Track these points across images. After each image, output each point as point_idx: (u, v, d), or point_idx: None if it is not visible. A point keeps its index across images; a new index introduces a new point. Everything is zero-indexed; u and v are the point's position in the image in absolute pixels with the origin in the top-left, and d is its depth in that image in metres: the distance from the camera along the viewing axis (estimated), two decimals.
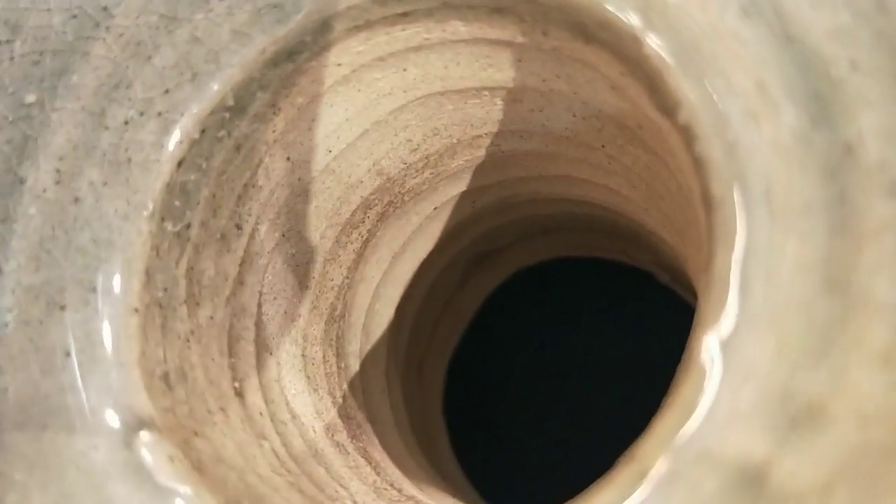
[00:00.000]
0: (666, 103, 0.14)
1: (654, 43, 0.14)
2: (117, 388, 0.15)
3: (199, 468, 0.15)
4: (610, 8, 0.14)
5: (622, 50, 0.14)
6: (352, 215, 0.21)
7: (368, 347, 0.24)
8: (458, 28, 0.17)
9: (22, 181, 0.17)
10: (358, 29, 0.17)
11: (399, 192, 0.22)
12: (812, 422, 0.11)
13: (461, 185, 0.23)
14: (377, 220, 0.22)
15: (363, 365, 0.24)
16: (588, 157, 0.20)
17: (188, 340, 0.17)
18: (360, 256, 0.22)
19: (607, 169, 0.21)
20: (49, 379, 0.15)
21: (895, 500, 0.10)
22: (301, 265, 0.21)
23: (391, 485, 0.20)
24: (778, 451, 0.11)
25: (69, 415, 0.15)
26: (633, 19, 0.14)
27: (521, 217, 0.26)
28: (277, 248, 0.20)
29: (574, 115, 0.19)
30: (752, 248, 0.12)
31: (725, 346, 0.12)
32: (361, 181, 0.21)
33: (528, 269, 0.29)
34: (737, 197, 0.12)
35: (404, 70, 0.19)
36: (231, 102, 0.17)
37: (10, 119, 0.17)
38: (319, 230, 0.21)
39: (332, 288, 0.22)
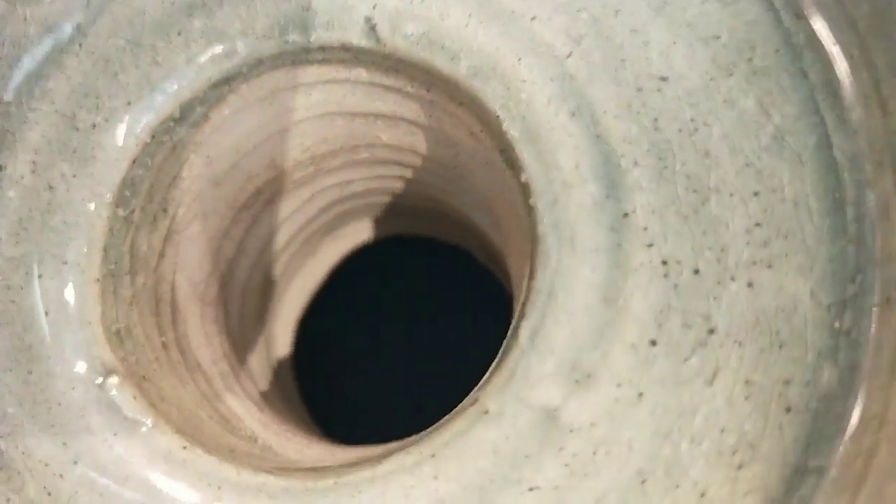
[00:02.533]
0: (513, 165, 0.20)
1: (510, 124, 0.20)
2: (86, 341, 0.20)
3: (153, 404, 0.20)
4: (480, 96, 0.20)
5: (486, 121, 0.20)
6: (246, 200, 0.26)
7: (245, 307, 0.29)
8: (361, 73, 0.23)
9: (1, 168, 0.20)
10: (283, 65, 0.22)
11: (287, 181, 0.27)
12: (588, 383, 0.18)
13: (336, 178, 0.28)
14: (265, 203, 0.27)
15: (241, 320, 0.29)
16: (441, 171, 0.27)
17: (131, 304, 0.21)
18: (247, 233, 0.27)
19: (455, 181, 0.27)
20: (31, 333, 0.19)
21: (638, 438, 0.17)
22: (204, 241, 0.25)
23: (273, 420, 0.25)
24: (566, 400, 0.18)
25: (49, 362, 0.19)
26: (496, 105, 0.20)
27: (376, 203, 0.31)
28: (189, 227, 0.24)
29: (437, 143, 0.25)
30: (559, 271, 0.19)
31: (535, 332, 0.18)
32: (259, 174, 0.26)
33: (373, 244, 0.35)
34: (553, 237, 0.19)
35: (310, 94, 0.24)
36: (177, 115, 0.21)
37: None
38: (220, 212, 0.26)
39: (225, 259, 0.27)
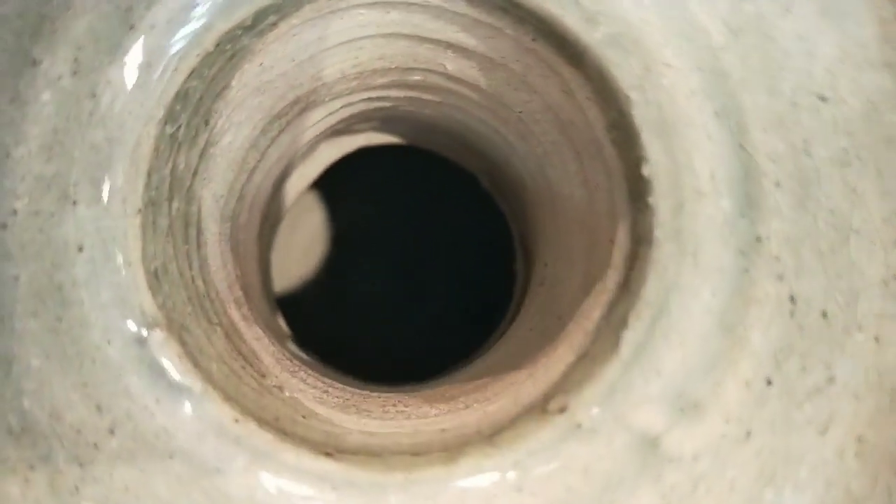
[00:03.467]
0: (629, 149, 0.18)
1: (642, 109, 0.18)
2: (125, 285, 0.17)
3: (197, 364, 0.17)
4: (613, 70, 0.18)
5: (607, 96, 0.18)
6: (281, 109, 0.23)
7: (249, 216, 0.26)
8: (460, 4, 0.20)
9: (35, 63, 0.16)
10: None
11: (325, 93, 0.24)
12: (694, 413, 0.17)
13: (373, 94, 0.25)
14: (297, 114, 0.24)
15: (246, 233, 0.26)
16: (498, 110, 0.24)
17: (167, 235, 0.19)
18: (272, 142, 0.24)
19: (510, 123, 0.24)
20: (61, 272, 0.16)
21: (741, 478, 0.16)
22: (233, 152, 0.22)
23: (283, 355, 0.23)
24: (670, 428, 0.17)
25: (83, 308, 0.16)
26: (629, 84, 0.18)
27: (398, 118, 0.29)
28: (223, 139, 0.21)
29: (510, 85, 0.22)
30: (676, 286, 0.17)
31: (641, 348, 0.17)
32: (302, 84, 0.23)
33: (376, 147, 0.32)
34: (673, 246, 0.17)
35: (388, 13, 0.21)
36: (249, 23, 0.18)
37: None
38: (254, 122, 0.22)
39: (246, 170, 0.24)
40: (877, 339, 0.17)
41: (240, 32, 0.18)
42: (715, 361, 0.17)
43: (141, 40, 0.17)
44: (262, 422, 0.17)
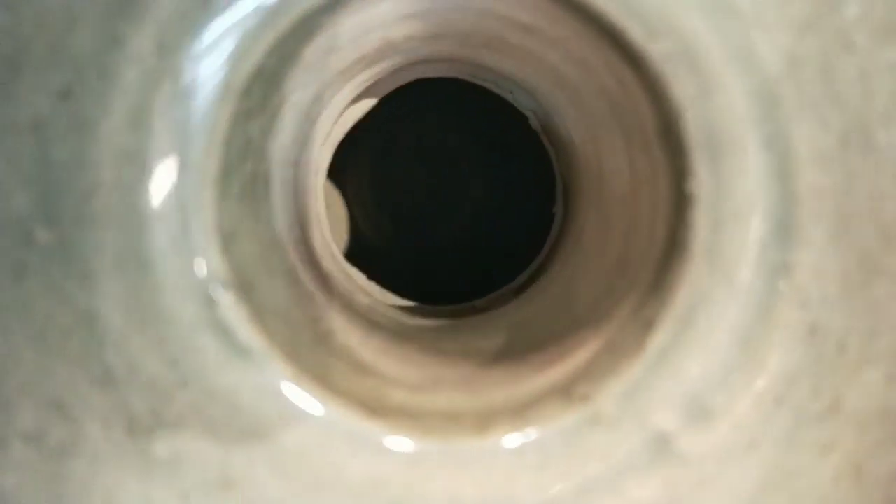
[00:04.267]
0: (676, 158, 0.19)
1: (693, 125, 0.18)
2: (201, 249, 0.18)
3: (261, 323, 0.19)
4: (669, 84, 0.18)
5: (662, 106, 0.19)
6: (346, 67, 0.24)
7: (311, 154, 0.27)
8: None
9: (122, 37, 0.17)
10: None
11: (390, 50, 0.25)
12: (707, 419, 0.18)
13: (434, 48, 0.26)
14: (362, 69, 0.25)
15: (306, 169, 0.27)
16: (556, 78, 0.25)
17: (240, 198, 0.20)
18: (337, 93, 0.25)
19: (567, 92, 0.25)
20: (141, 236, 0.18)
21: (741, 484, 0.18)
22: (300, 107, 0.23)
23: (333, 293, 0.25)
24: (683, 429, 0.18)
25: (159, 271, 0.18)
26: (683, 99, 0.18)
27: (463, 61, 0.29)
28: (292, 96, 0.22)
29: (567, 62, 0.23)
30: (706, 298, 0.18)
31: (666, 352, 0.19)
32: (370, 44, 0.23)
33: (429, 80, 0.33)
34: (707, 262, 0.18)
35: None
36: (326, 3, 0.19)
37: None
38: (321, 79, 0.23)
39: (311, 120, 0.25)
40: (888, 377, 0.18)
41: (316, 13, 0.19)
42: (732, 374, 0.18)
43: (220, 21, 0.18)
44: (317, 378, 0.19)
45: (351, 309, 0.25)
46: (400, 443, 0.19)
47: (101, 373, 0.18)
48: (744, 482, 0.18)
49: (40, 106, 0.17)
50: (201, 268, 0.18)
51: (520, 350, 0.22)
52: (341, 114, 0.29)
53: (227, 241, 0.19)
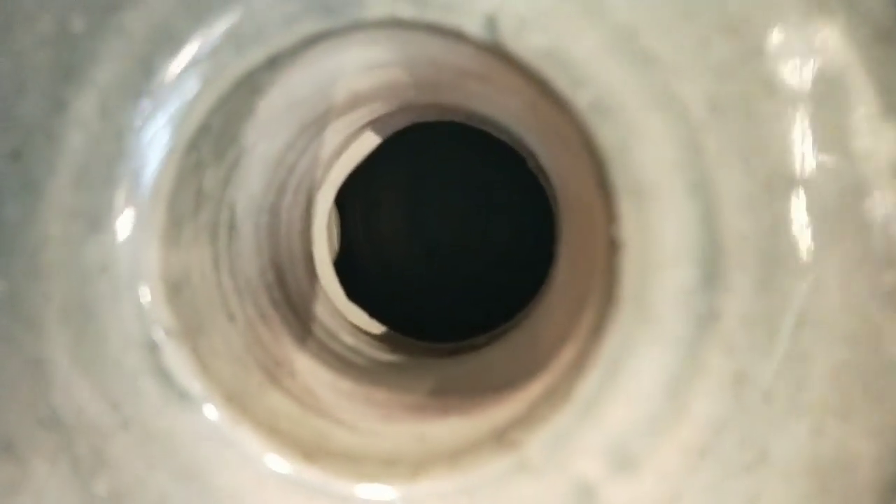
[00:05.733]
0: (608, 205, 0.19)
1: (618, 173, 0.18)
2: (144, 300, 0.19)
3: (206, 368, 0.20)
4: (595, 133, 0.18)
5: (594, 156, 0.19)
6: (316, 117, 0.25)
7: (294, 198, 0.28)
8: (467, 50, 0.20)
9: (66, 104, 0.19)
10: (385, 27, 0.20)
11: (360, 101, 0.25)
12: (631, 469, 0.18)
13: (408, 98, 0.26)
14: (335, 117, 0.26)
15: (289, 213, 0.28)
16: (521, 122, 0.25)
17: (191, 244, 0.21)
18: (311, 141, 0.26)
19: (535, 135, 0.25)
20: (87, 289, 0.19)
21: None
22: (269, 156, 0.24)
23: (309, 333, 0.26)
24: (606, 480, 0.18)
25: (104, 321, 0.19)
26: (609, 147, 0.18)
27: (447, 107, 0.30)
28: (256, 148, 0.23)
29: (526, 109, 0.23)
30: (630, 347, 0.18)
31: (592, 400, 0.18)
32: (332, 96, 0.24)
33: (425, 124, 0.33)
34: (633, 309, 0.18)
35: (405, 48, 0.21)
36: (263, 65, 0.20)
37: (57, 42, 0.18)
38: (290, 129, 0.24)
39: (286, 167, 0.26)
40: (816, 430, 0.17)
41: (256, 73, 0.20)
42: (656, 423, 0.18)
43: (160, 84, 0.19)
44: (257, 423, 0.20)
45: (327, 350, 0.26)
46: (327, 484, 0.19)
47: (48, 415, 0.19)
48: None
49: None
50: (143, 316, 0.19)
51: (475, 393, 0.23)
52: (335, 157, 0.30)
53: (174, 290, 0.20)
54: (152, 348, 0.19)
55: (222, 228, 0.23)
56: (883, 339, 0.17)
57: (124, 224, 0.19)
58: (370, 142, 0.33)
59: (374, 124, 0.31)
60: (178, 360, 0.19)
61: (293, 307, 0.26)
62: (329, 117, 0.25)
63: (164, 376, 0.19)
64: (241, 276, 0.24)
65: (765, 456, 0.17)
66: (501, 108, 0.24)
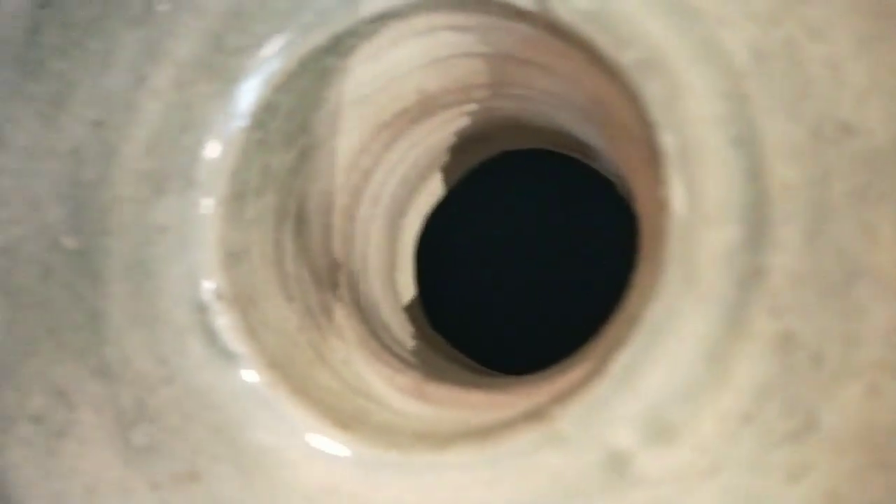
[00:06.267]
0: (657, 165, 0.18)
1: (664, 132, 0.18)
2: (200, 263, 0.20)
3: (253, 334, 0.20)
4: (640, 92, 0.18)
5: (641, 116, 0.18)
6: (389, 118, 0.26)
7: (372, 210, 0.29)
8: (523, 27, 0.21)
9: (145, 78, 0.20)
10: (443, 8, 0.21)
11: (433, 104, 0.26)
12: (667, 438, 0.17)
13: (481, 105, 0.27)
14: (409, 122, 0.26)
15: (366, 224, 0.29)
16: (593, 122, 0.25)
17: (255, 223, 0.22)
18: (386, 147, 0.27)
19: (610, 138, 0.25)
20: (148, 248, 0.20)
21: (704, 496, 0.16)
22: (341, 154, 0.25)
23: (374, 335, 0.26)
24: (641, 449, 0.17)
25: (159, 279, 0.20)
26: (654, 107, 0.18)
27: (508, 126, 0.30)
28: (327, 143, 0.24)
29: (593, 102, 0.23)
30: (673, 310, 0.17)
31: (630, 368, 0.17)
32: (405, 96, 0.25)
33: (512, 153, 0.33)
34: (677, 271, 0.17)
35: (465, 34, 0.22)
36: (327, 45, 0.21)
37: (142, 20, 0.20)
38: (361, 128, 0.25)
39: (360, 171, 0.26)
40: (871, 391, 0.15)
41: (321, 54, 0.21)
42: (696, 390, 0.17)
43: (232, 60, 0.20)
44: (296, 389, 0.20)
45: (389, 351, 0.26)
46: (358, 452, 0.19)
47: (99, 366, 0.20)
48: None
49: (77, 134, 0.20)
50: (196, 277, 0.20)
51: (525, 383, 0.22)
52: (417, 178, 0.31)
53: (231, 259, 0.21)
54: (202, 308, 0.20)
55: (290, 218, 0.24)
56: None
57: (187, 190, 0.20)
58: (455, 172, 0.34)
59: (458, 151, 0.32)
60: (225, 322, 0.20)
61: (361, 310, 0.26)
62: (403, 122, 0.26)
63: (209, 336, 0.20)
64: (307, 268, 0.24)
65: (813, 423, 0.16)
66: (569, 105, 0.24)
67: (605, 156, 0.28)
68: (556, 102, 0.25)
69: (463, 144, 0.31)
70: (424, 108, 0.26)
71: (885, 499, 0.15)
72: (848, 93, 0.16)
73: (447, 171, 0.33)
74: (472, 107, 0.27)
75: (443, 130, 0.28)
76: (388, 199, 0.29)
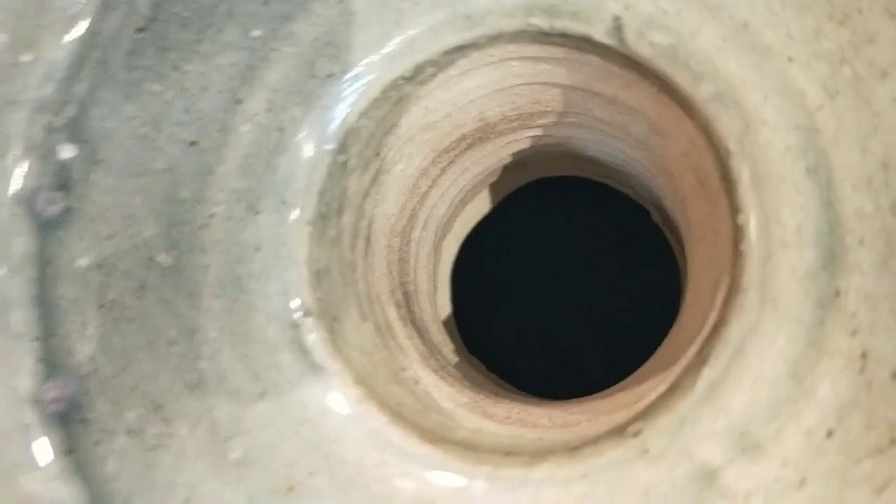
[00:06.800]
0: (731, 196, 0.20)
1: (739, 161, 0.19)
2: (290, 281, 0.21)
3: (339, 350, 0.21)
4: (715, 124, 0.19)
5: (715, 146, 0.20)
6: (450, 144, 0.27)
7: (423, 233, 0.30)
8: (594, 59, 0.22)
9: (239, 101, 0.21)
10: (519, 41, 0.22)
11: (490, 131, 0.27)
12: (754, 454, 0.18)
13: (534, 132, 0.28)
14: (465, 148, 0.28)
15: (418, 246, 0.30)
16: (640, 148, 0.26)
17: (333, 243, 0.23)
18: (443, 172, 0.28)
19: (658, 165, 0.26)
20: (242, 265, 0.21)
21: None
22: (405, 178, 0.26)
23: (430, 354, 0.27)
24: (729, 464, 0.18)
25: (254, 295, 0.21)
26: (729, 138, 0.19)
27: (571, 152, 0.31)
28: (394, 167, 0.25)
29: (650, 130, 0.24)
30: (755, 331, 0.18)
31: (715, 386, 0.18)
32: (467, 123, 0.26)
33: (548, 179, 0.35)
34: (757, 293, 0.19)
35: (536, 65, 0.23)
36: (409, 74, 0.22)
37: (237, 46, 0.21)
38: (423, 153, 0.26)
39: (418, 194, 0.27)
40: None
41: (402, 82, 0.22)
42: (781, 407, 0.18)
43: (323, 86, 0.21)
44: (383, 405, 0.21)
45: (447, 370, 0.27)
46: (450, 467, 0.20)
47: (195, 380, 0.20)
48: None
49: (173, 153, 0.21)
50: (288, 295, 0.21)
51: (598, 399, 0.23)
52: (459, 203, 0.32)
53: (317, 277, 0.22)
54: (294, 325, 0.21)
55: (360, 239, 0.25)
56: None
57: (279, 209, 0.21)
58: (495, 196, 0.35)
59: (500, 177, 0.33)
60: (315, 338, 0.21)
61: (418, 330, 0.27)
62: (461, 147, 0.27)
63: (301, 352, 0.21)
64: (374, 288, 0.25)
65: (894, 437, 0.17)
66: (624, 135, 0.25)
67: (649, 183, 0.29)
68: (609, 130, 0.26)
69: (505, 170, 0.32)
70: (482, 134, 0.27)
71: None
72: None
73: (487, 194, 0.34)
74: (525, 133, 0.28)
75: (491, 157, 0.30)
76: (435, 221, 0.31)
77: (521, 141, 0.29)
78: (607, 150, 0.28)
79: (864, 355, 0.17)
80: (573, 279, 0.36)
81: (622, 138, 0.26)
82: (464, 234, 0.35)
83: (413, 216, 0.28)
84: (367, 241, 0.25)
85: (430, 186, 0.28)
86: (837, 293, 0.18)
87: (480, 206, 0.34)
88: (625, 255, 0.36)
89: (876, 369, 0.17)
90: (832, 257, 0.18)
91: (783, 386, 0.18)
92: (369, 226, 0.25)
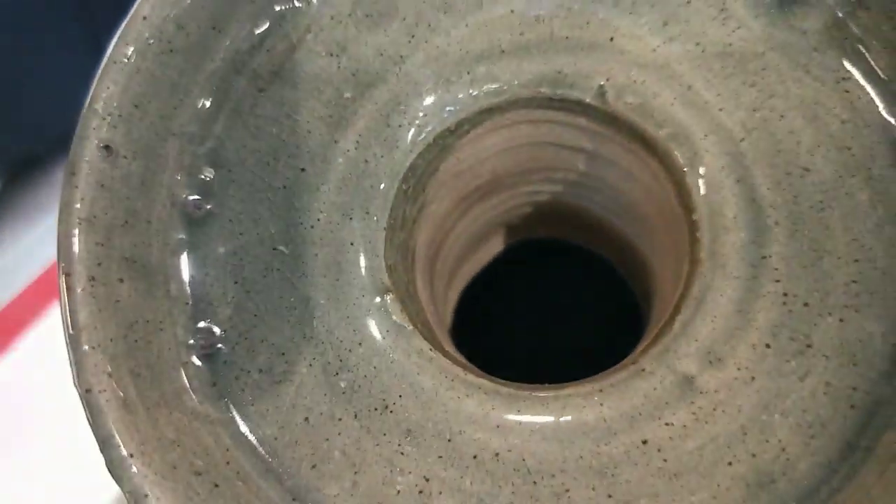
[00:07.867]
0: (687, 206, 0.28)
1: (692, 178, 0.28)
2: (374, 267, 0.29)
3: (411, 318, 0.29)
4: (673, 155, 0.29)
5: (673, 173, 0.29)
6: (468, 193, 0.35)
7: (443, 268, 0.38)
8: (581, 120, 0.31)
9: (336, 141, 0.30)
10: (530, 106, 0.31)
11: (498, 184, 0.36)
12: (718, 364, 0.26)
13: (531, 187, 0.37)
14: (478, 198, 0.36)
15: (438, 280, 0.38)
16: (614, 196, 0.35)
17: (397, 249, 0.30)
18: (461, 215, 0.36)
19: (625, 207, 0.35)
20: (341, 255, 0.29)
21: (746, 406, 0.25)
22: (436, 215, 0.34)
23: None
24: (701, 372, 0.26)
25: (350, 276, 0.28)
26: (684, 163, 0.28)
27: (557, 210, 0.40)
28: (432, 204, 0.33)
29: (621, 178, 0.33)
30: (710, 286, 0.27)
31: (686, 324, 0.27)
32: (482, 175, 0.35)
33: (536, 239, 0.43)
34: (710, 262, 0.27)
35: (538, 127, 0.33)
36: (453, 128, 0.31)
37: (334, 104, 0.30)
38: (450, 197, 0.35)
39: (443, 231, 0.36)
40: (841, 320, 0.25)
41: (447, 134, 0.31)
42: (732, 332, 0.26)
43: (394, 133, 0.30)
44: (447, 354, 0.28)
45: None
46: (499, 391, 0.27)
47: (309, 333, 0.27)
48: (748, 404, 0.25)
49: (288, 176, 0.29)
50: (374, 276, 0.28)
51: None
52: (464, 255, 0.40)
53: (391, 269, 0.29)
54: (381, 294, 0.28)
55: (408, 256, 0.33)
56: (877, 253, 0.26)
57: (365, 217, 0.29)
58: (483, 259, 0.43)
59: (498, 233, 0.42)
60: (394, 307, 0.28)
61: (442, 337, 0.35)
62: (476, 197, 0.36)
63: (386, 314, 0.28)
64: (417, 300, 0.33)
65: (809, 343, 0.25)
66: (602, 180, 0.35)
67: (620, 230, 0.38)
68: (591, 184, 0.35)
69: (503, 227, 0.41)
70: (493, 187, 0.36)
71: (861, 383, 0.25)
72: (803, 148, 0.27)
73: (481, 253, 0.43)
74: (523, 189, 0.37)
75: (493, 210, 0.38)
76: (451, 261, 0.39)
77: (518, 196, 0.38)
78: (587, 204, 0.37)
79: (784, 294, 0.26)
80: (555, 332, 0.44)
81: (601, 190, 0.36)
82: (462, 287, 0.43)
83: (438, 250, 0.36)
84: (413, 258, 0.33)
85: (452, 227, 0.36)
86: (764, 257, 0.27)
87: (482, 256, 0.43)
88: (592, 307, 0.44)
89: (794, 302, 0.26)
90: (758, 234, 0.27)
91: (733, 319, 0.26)
92: (414, 247, 0.33)
